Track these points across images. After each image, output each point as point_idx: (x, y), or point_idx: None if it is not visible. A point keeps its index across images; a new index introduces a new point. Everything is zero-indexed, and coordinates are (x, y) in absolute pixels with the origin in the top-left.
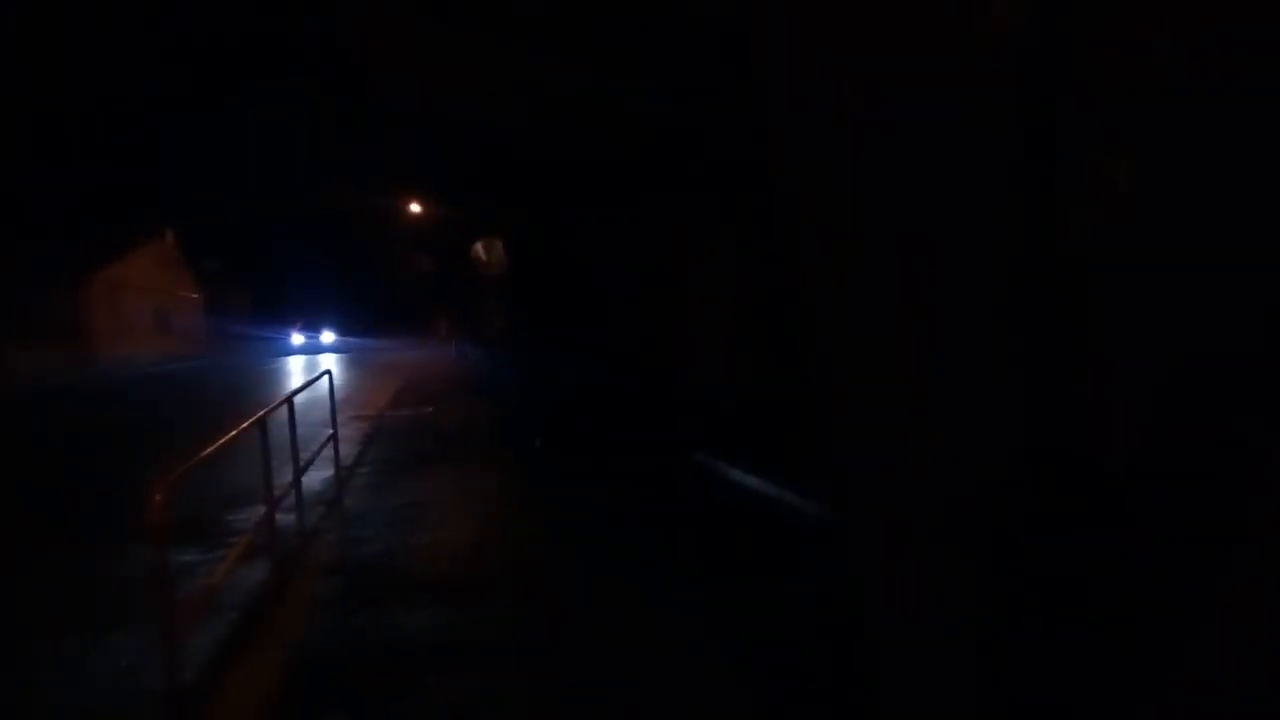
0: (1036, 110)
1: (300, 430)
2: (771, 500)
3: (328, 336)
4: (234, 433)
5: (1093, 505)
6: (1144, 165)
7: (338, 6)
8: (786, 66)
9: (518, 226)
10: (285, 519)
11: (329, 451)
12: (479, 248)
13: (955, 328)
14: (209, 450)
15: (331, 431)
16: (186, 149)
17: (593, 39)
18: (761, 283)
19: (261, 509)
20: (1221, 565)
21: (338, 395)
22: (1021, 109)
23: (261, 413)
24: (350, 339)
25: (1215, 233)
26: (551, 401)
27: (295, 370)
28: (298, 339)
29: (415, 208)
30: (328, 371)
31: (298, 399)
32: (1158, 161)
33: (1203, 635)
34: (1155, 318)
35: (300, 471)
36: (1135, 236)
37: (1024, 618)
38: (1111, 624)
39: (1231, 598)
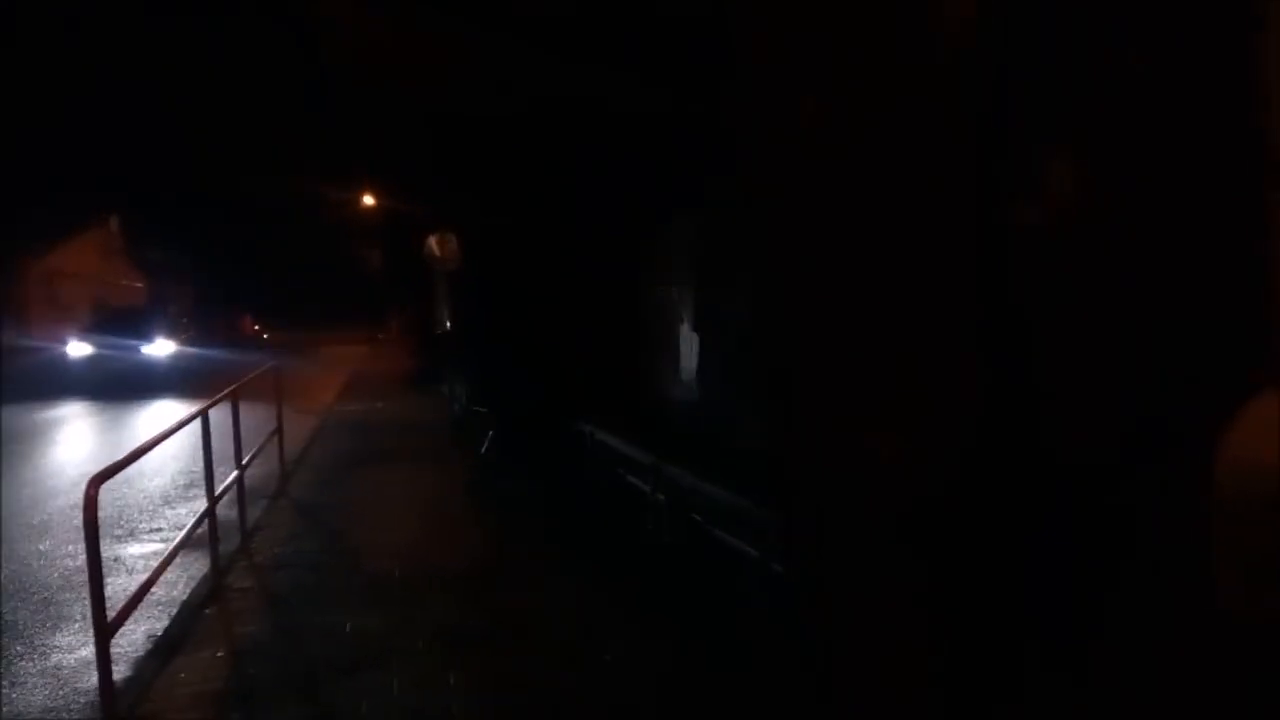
0: (989, 114)
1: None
2: (724, 506)
3: (162, 346)
4: (173, 426)
5: (1048, 503)
6: (1093, 168)
7: None
8: (753, 66)
9: (474, 221)
10: (229, 514)
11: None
12: (432, 242)
13: (912, 328)
14: (145, 444)
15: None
16: (134, 129)
17: (566, 33)
18: (721, 281)
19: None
20: (1170, 563)
21: None
22: (975, 112)
23: (204, 406)
24: (232, 351)
25: (1160, 233)
26: (503, 399)
27: None
28: (78, 350)
29: (369, 200)
30: None
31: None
32: (1106, 164)
33: (1147, 630)
34: (1107, 316)
35: (243, 467)
36: (1083, 237)
37: (977, 614)
38: (1066, 621)
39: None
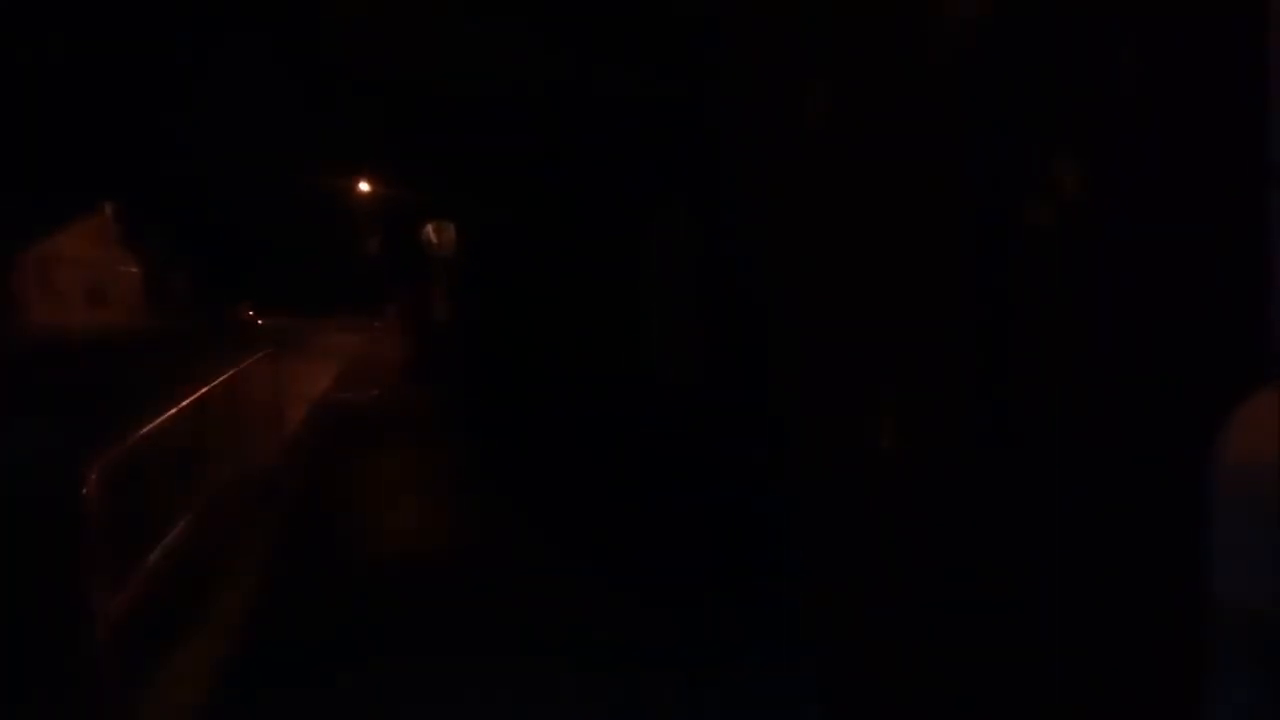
0: (990, 113)
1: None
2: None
3: None
4: (174, 410)
5: (1046, 500)
6: (1093, 168)
7: None
8: (749, 55)
9: (470, 209)
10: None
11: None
12: (430, 230)
13: (912, 325)
14: (148, 428)
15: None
16: (130, 115)
17: (557, 21)
18: (718, 267)
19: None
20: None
21: None
22: (976, 112)
23: (203, 390)
24: None
25: (1161, 233)
26: (498, 386)
27: None
28: None
29: (365, 187)
30: None
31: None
32: (1107, 164)
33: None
34: (1106, 315)
35: (244, 449)
36: (1083, 236)
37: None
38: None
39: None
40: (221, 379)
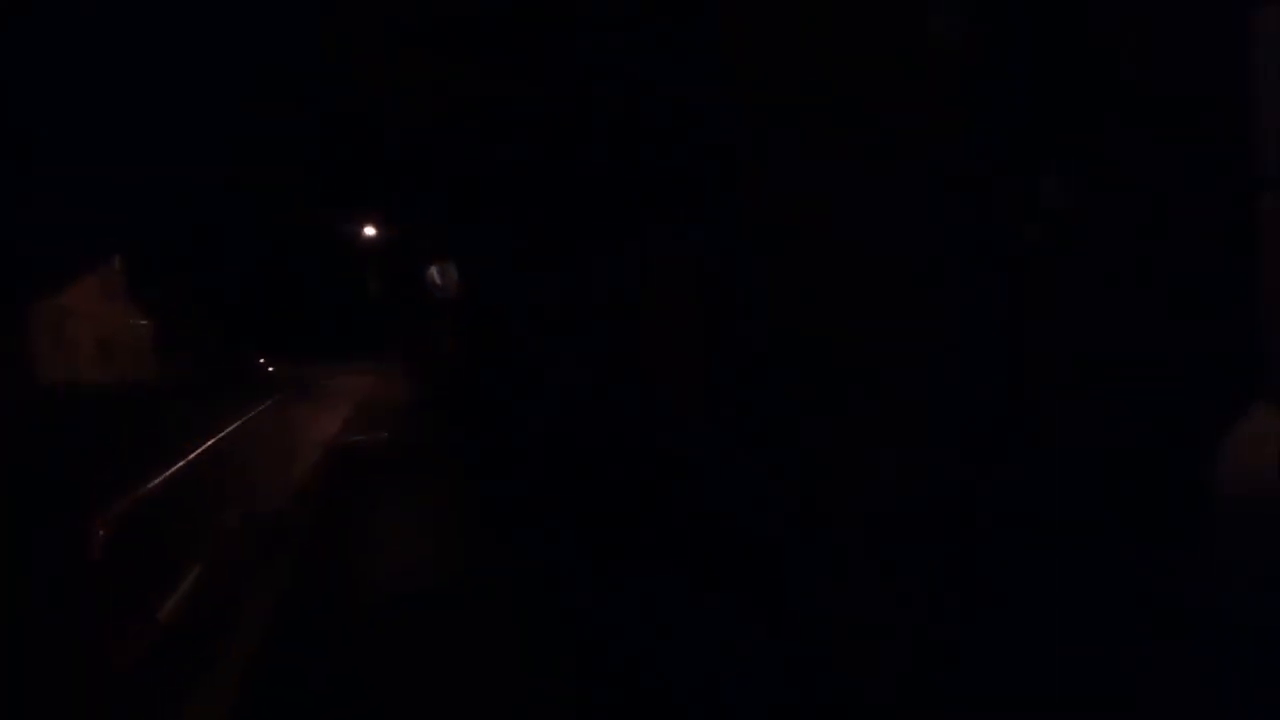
0: (984, 130)
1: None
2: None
3: None
4: (191, 456)
5: (1043, 515)
6: (1089, 184)
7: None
8: (752, 83)
9: (472, 247)
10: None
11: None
12: (433, 271)
13: (915, 337)
14: (156, 481)
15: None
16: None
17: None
18: (724, 295)
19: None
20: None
21: None
22: (972, 130)
23: (212, 441)
24: None
25: (1156, 245)
26: (502, 421)
27: None
28: None
29: (370, 230)
30: None
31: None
32: (1101, 179)
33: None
34: (1105, 332)
35: (255, 498)
36: (1083, 253)
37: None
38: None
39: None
40: (231, 429)
